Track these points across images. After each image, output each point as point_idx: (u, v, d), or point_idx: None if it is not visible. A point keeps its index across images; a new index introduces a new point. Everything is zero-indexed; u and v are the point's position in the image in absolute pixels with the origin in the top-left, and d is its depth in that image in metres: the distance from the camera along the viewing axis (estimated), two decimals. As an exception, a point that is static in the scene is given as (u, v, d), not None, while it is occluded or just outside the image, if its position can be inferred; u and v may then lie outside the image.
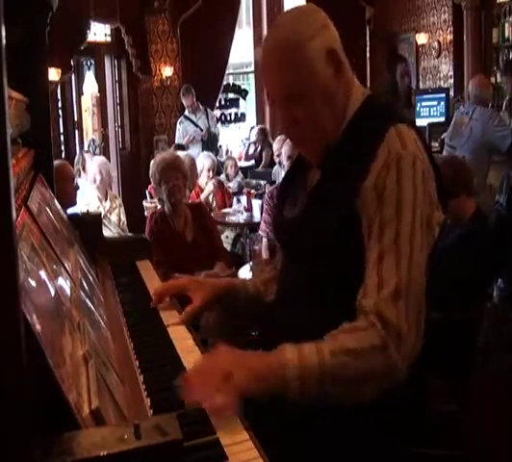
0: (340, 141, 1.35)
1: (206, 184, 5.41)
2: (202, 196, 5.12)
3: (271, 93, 1.37)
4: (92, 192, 4.57)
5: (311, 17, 1.35)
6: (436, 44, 8.03)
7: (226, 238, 5.02)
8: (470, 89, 4.91)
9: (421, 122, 6.97)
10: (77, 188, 3.27)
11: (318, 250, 1.34)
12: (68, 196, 3.04)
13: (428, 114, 7.18)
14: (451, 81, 7.81)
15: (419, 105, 7.30)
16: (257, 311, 1.60)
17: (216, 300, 1.60)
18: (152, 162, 3.37)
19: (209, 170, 5.44)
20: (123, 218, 4.64)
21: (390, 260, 1.22)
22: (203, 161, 5.49)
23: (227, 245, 4.76)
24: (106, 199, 4.57)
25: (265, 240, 4.07)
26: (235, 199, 5.43)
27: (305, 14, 1.37)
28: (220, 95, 9.23)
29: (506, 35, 6.82)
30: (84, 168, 5.24)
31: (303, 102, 1.31)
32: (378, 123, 1.31)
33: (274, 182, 5.93)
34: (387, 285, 1.20)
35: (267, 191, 4.74)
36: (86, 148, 7.25)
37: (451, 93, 7.42)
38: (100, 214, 2.53)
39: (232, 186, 6.42)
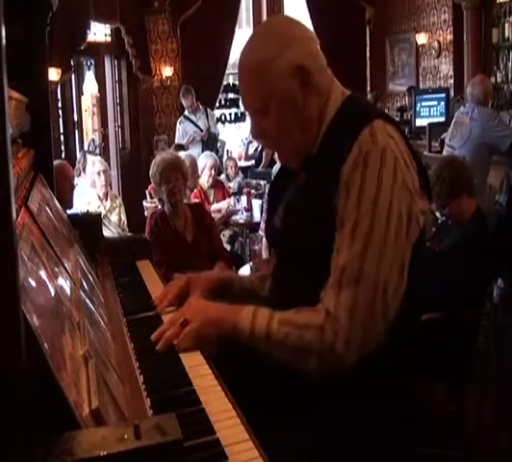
0: (319, 146, 1.39)
1: (207, 182, 5.38)
2: (213, 208, 5.08)
3: (245, 108, 1.50)
4: (92, 191, 4.58)
5: (277, 35, 1.40)
6: (436, 44, 8.04)
7: (223, 236, 5.00)
8: (469, 89, 4.90)
9: (421, 122, 6.98)
10: (73, 188, 3.27)
11: (307, 248, 1.36)
12: (67, 197, 3.03)
13: (428, 114, 7.18)
14: (451, 81, 7.82)
15: (419, 105, 7.29)
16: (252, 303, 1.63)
17: (210, 293, 1.63)
18: (152, 162, 3.36)
19: (211, 169, 5.41)
20: (123, 217, 4.64)
21: (343, 251, 1.27)
22: (205, 159, 5.45)
23: (224, 245, 4.74)
24: (106, 199, 4.57)
25: (265, 239, 4.07)
26: (234, 199, 5.43)
27: (271, 33, 1.42)
28: (220, 95, 9.22)
29: (506, 35, 6.83)
30: (84, 169, 5.23)
31: (269, 116, 1.38)
32: (353, 125, 1.33)
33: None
34: (334, 275, 1.27)
35: (267, 191, 4.73)
36: (86, 148, 7.25)
37: (451, 93, 7.42)
38: (100, 214, 2.53)
39: (232, 186, 6.41)
